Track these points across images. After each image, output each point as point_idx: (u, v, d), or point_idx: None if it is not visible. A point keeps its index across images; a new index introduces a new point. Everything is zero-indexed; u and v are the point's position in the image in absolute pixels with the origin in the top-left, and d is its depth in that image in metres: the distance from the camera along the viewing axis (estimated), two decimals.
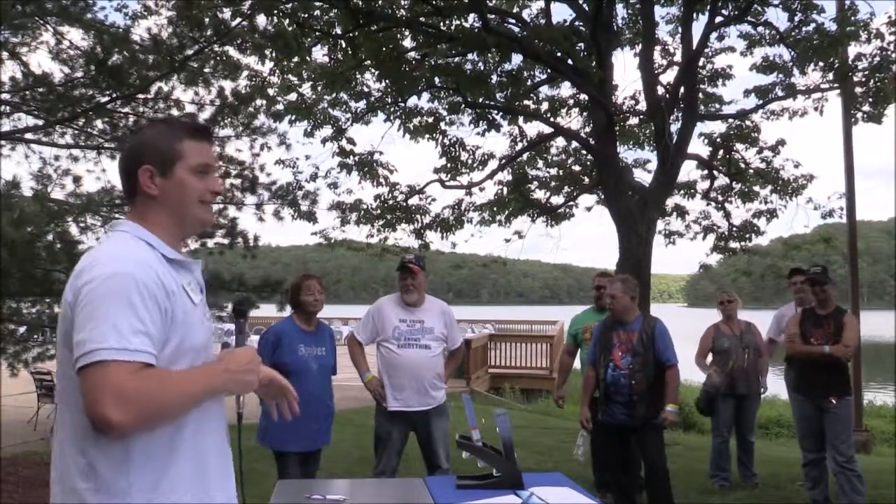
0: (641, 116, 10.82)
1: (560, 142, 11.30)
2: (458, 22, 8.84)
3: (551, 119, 10.55)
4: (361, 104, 9.98)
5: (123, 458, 1.44)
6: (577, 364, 6.29)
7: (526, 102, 10.48)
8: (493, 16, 8.80)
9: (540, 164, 11.48)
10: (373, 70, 9.43)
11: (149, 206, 1.62)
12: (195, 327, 1.57)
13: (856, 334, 5.19)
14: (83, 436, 1.44)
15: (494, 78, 9.46)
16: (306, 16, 8.58)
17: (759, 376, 6.37)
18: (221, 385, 1.54)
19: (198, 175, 1.64)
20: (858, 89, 9.22)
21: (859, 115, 9.52)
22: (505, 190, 11.07)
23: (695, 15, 8.60)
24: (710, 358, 6.43)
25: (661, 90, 9.46)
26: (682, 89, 8.81)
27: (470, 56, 9.39)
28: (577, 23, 9.41)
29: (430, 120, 10.27)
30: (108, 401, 1.33)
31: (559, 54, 8.29)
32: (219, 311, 6.56)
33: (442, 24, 8.83)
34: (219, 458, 1.63)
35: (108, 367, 1.35)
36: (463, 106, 9.45)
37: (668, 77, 10.12)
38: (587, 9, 8.86)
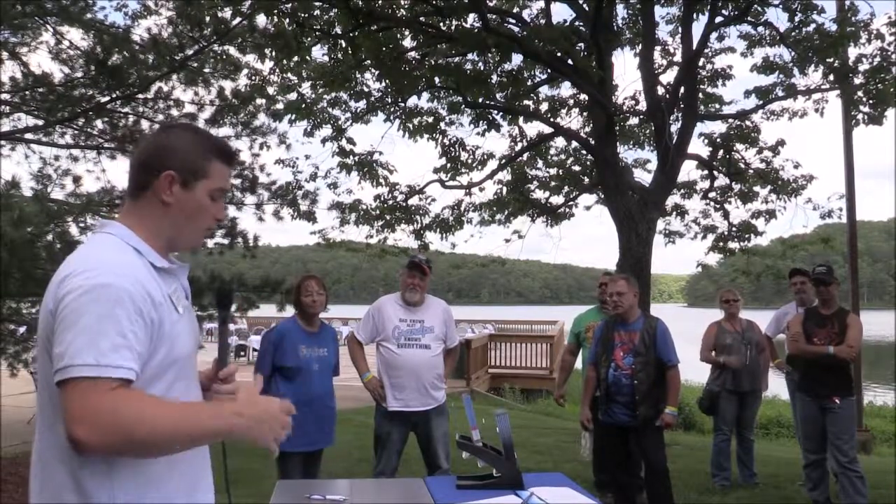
0: (641, 116, 10.81)
1: (560, 142, 11.31)
2: (458, 22, 8.82)
3: (551, 119, 10.54)
4: (361, 104, 9.97)
5: (106, 471, 1.39)
6: (578, 364, 6.29)
7: (526, 102, 10.46)
8: (493, 16, 8.78)
9: (540, 164, 11.47)
10: (373, 70, 9.41)
11: (154, 209, 1.54)
12: (180, 337, 1.51)
13: (860, 335, 5.19)
14: (65, 446, 1.36)
15: (494, 78, 9.44)
16: (306, 15, 8.56)
17: (761, 374, 6.41)
18: (228, 429, 1.42)
19: (212, 199, 1.59)
20: (858, 91, 9.21)
21: (860, 116, 9.51)
22: (505, 190, 11.07)
23: (695, 15, 8.59)
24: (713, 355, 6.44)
25: (661, 90, 9.45)
26: (682, 89, 8.80)
27: (470, 56, 9.37)
28: (577, 23, 9.40)
29: (430, 120, 10.26)
30: (76, 419, 1.28)
31: (559, 54, 8.27)
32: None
33: (442, 24, 8.81)
34: (205, 473, 1.58)
35: (81, 385, 1.29)
36: (463, 106, 9.43)
37: (668, 77, 10.13)
38: (587, 9, 8.85)
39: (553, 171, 11.44)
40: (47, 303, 1.41)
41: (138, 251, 1.49)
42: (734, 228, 11.04)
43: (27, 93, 6.84)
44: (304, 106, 9.51)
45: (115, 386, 1.31)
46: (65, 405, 1.30)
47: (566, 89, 11.01)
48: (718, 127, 10.68)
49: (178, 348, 1.49)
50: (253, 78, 8.93)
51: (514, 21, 9.66)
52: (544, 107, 11.05)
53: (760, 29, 9.76)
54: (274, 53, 7.98)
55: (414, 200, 10.61)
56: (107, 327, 1.33)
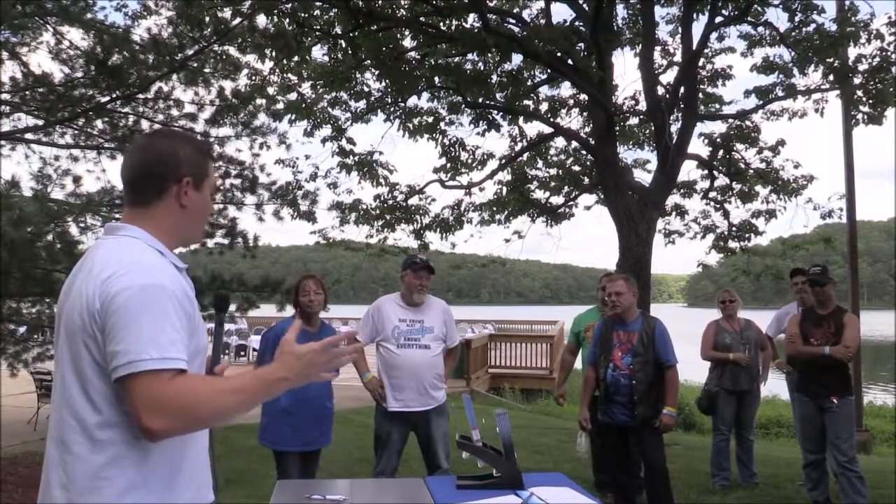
0: (641, 116, 10.82)
1: (560, 142, 11.32)
2: (458, 22, 8.83)
3: (551, 119, 10.54)
4: (361, 104, 9.98)
5: (141, 458, 1.48)
6: (578, 363, 6.29)
7: (526, 102, 10.46)
8: (493, 16, 8.79)
9: (540, 164, 11.47)
10: (373, 70, 9.42)
11: (172, 213, 1.64)
12: (200, 329, 1.62)
13: (857, 334, 5.18)
14: (100, 434, 1.46)
15: (494, 78, 9.44)
16: (306, 15, 8.56)
17: (759, 371, 6.43)
18: (277, 392, 1.57)
19: (210, 194, 1.74)
20: (858, 91, 9.21)
21: (859, 116, 9.51)
22: (505, 190, 11.07)
23: (695, 15, 8.59)
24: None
25: (661, 90, 9.46)
26: (682, 89, 8.80)
27: (470, 56, 9.37)
28: (577, 23, 9.41)
29: (430, 120, 10.26)
30: (147, 411, 1.39)
31: (559, 54, 8.27)
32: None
33: (442, 24, 8.81)
34: (207, 462, 1.69)
35: (147, 378, 1.40)
36: (463, 106, 9.43)
37: (668, 77, 10.14)
38: (587, 9, 8.86)
39: (553, 171, 11.44)
40: (89, 301, 1.48)
41: (160, 252, 1.61)
42: (734, 228, 11.05)
43: (27, 93, 6.84)
44: (304, 106, 9.52)
45: (174, 375, 1.43)
46: (133, 398, 1.41)
47: (566, 89, 11.04)
48: (718, 127, 10.71)
49: (201, 339, 1.62)
50: (253, 78, 8.94)
51: (514, 21, 9.66)
52: (544, 107, 11.06)
53: (760, 29, 9.77)
54: (274, 53, 7.98)
55: (414, 200, 10.62)
56: (163, 324, 1.45)
